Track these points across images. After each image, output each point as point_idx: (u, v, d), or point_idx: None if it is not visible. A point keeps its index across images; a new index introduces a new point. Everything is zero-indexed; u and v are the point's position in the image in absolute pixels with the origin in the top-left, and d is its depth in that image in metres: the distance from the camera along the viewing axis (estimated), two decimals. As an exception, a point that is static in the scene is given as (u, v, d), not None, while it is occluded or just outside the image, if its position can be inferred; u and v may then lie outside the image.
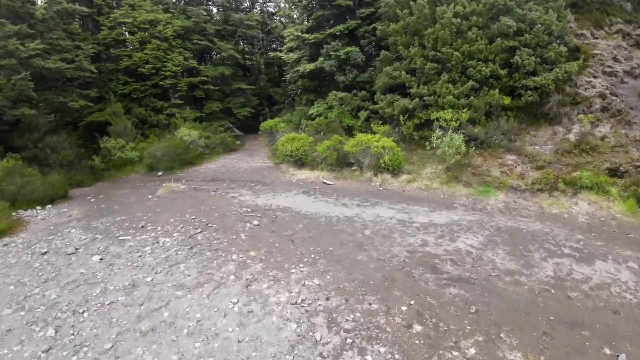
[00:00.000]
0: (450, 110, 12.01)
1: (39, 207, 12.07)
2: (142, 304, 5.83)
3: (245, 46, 32.33)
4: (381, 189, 10.91)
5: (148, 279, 6.53)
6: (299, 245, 7.64)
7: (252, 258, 7.12)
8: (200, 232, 8.34)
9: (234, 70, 26.74)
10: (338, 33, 16.48)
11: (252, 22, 27.11)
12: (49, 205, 12.27)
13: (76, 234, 9.08)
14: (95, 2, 20.71)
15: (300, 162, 13.71)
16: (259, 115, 30.13)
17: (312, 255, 7.15)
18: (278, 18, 35.90)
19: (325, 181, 11.80)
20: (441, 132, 11.40)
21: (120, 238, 8.37)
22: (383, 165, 11.20)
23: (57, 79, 17.04)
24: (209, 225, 8.82)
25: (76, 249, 8.06)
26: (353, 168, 12.80)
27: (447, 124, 11.64)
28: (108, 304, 5.89)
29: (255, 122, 30.56)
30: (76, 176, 16.50)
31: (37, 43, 13.26)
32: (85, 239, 8.68)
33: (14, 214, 11.51)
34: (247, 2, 33.22)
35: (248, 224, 8.69)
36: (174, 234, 8.28)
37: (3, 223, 9.74)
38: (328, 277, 6.36)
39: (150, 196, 12.40)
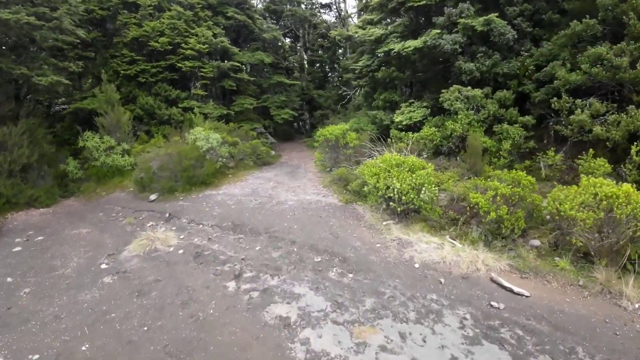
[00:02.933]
0: None
1: None
2: None
3: (287, 38, 26.43)
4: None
5: None
6: None
7: None
8: None
9: (275, 60, 20.56)
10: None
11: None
12: None
13: None
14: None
15: (412, 211, 6.93)
16: (295, 120, 23.94)
17: None
18: (325, 11, 30.12)
19: (502, 282, 4.94)
20: None
21: None
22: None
23: (30, 43, 11.29)
24: None
25: None
26: (534, 243, 5.92)
27: None
28: None
29: (289, 128, 24.56)
30: (28, 190, 10.53)
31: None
32: None
33: None
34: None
35: None
36: None
37: None
38: None
39: (105, 264, 6.06)
